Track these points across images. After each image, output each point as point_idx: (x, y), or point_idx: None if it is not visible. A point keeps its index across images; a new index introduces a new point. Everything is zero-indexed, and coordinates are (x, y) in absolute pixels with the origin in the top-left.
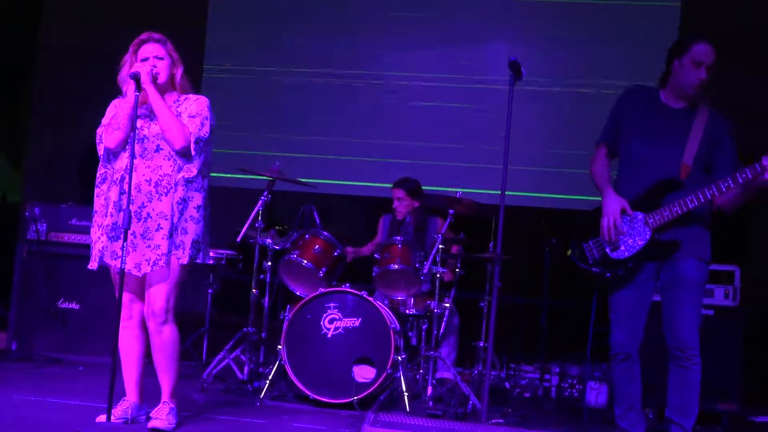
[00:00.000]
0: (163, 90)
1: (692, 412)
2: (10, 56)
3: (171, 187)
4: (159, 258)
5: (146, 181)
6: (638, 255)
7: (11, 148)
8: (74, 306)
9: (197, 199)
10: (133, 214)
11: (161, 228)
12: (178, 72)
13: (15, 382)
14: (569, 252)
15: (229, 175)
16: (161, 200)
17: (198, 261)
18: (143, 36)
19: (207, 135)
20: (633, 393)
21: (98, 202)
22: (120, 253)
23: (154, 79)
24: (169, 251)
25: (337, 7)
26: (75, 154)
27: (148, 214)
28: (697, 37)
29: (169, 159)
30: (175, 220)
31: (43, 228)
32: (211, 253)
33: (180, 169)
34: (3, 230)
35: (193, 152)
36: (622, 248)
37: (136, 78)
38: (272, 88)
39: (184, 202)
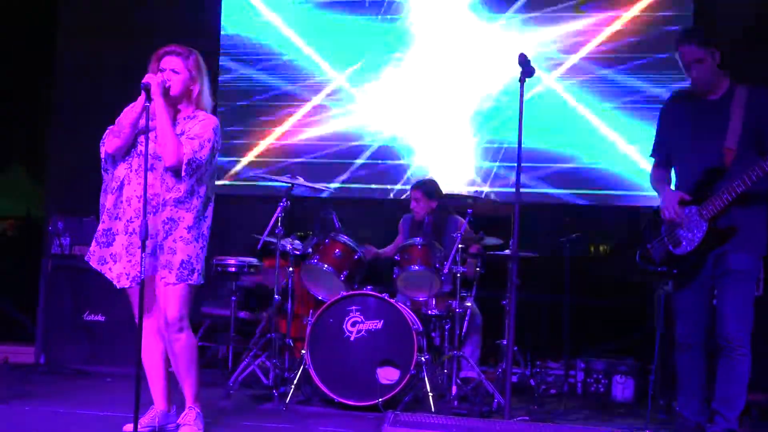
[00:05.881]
0: (175, 102)
1: (738, 404)
2: (29, 71)
3: (159, 207)
4: (137, 276)
5: (137, 197)
6: (699, 247)
7: (33, 163)
8: (100, 318)
9: (188, 219)
10: (125, 227)
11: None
12: (196, 89)
13: (43, 395)
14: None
15: (247, 183)
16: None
17: (192, 282)
18: (168, 48)
19: (204, 158)
20: (695, 383)
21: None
22: (107, 260)
23: (165, 92)
24: (154, 270)
25: (338, 8)
26: (95, 167)
27: (134, 230)
28: (679, 37)
29: (159, 178)
30: (160, 239)
31: (66, 242)
32: (233, 261)
33: (169, 189)
34: (27, 245)
35: (183, 173)
36: (684, 244)
37: (146, 88)
38: (283, 93)
39: (172, 222)
